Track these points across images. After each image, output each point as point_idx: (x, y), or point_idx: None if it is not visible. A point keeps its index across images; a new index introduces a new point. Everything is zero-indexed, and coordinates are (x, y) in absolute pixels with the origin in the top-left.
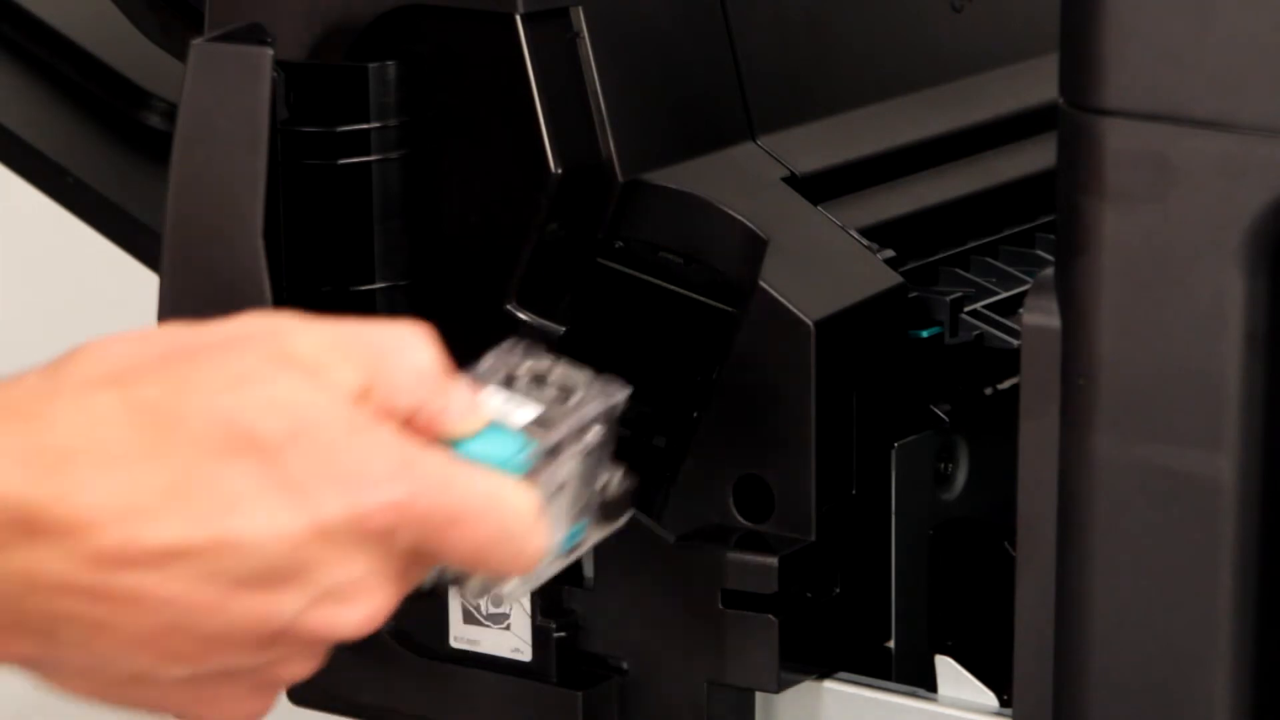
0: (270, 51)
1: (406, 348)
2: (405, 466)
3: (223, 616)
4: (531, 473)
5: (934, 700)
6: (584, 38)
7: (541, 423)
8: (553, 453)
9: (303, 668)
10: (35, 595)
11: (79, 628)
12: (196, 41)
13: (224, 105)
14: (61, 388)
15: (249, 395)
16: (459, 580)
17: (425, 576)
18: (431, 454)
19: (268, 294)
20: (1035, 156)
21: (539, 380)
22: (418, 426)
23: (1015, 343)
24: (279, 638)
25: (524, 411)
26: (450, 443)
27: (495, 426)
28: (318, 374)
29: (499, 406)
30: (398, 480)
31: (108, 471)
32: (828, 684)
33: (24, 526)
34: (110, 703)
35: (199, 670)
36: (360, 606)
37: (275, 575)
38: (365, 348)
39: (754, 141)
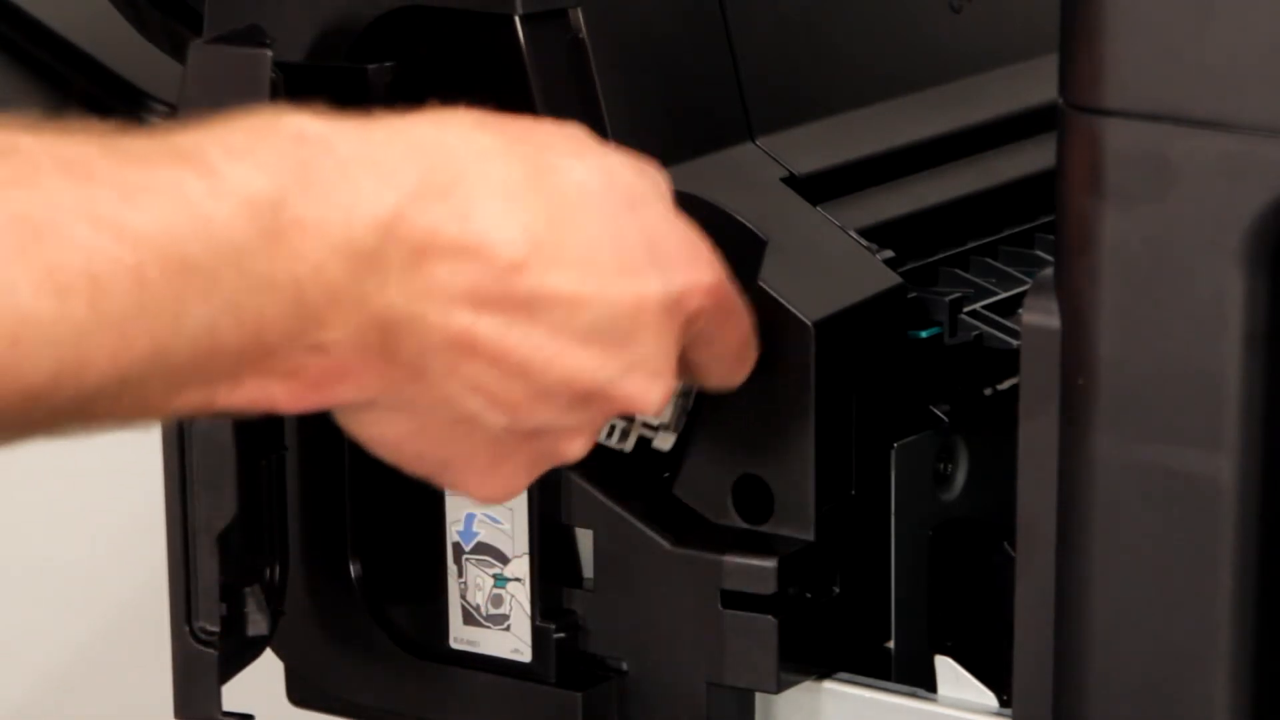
0: (269, 53)
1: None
2: (712, 255)
3: (561, 366)
4: None
5: (934, 700)
6: (583, 39)
7: None
8: None
9: (584, 446)
10: (417, 326)
11: (444, 362)
12: (195, 43)
13: (222, 107)
14: (446, 124)
15: (604, 158)
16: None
17: None
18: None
19: None
20: (1035, 156)
21: None
22: None
23: (1015, 343)
24: (593, 398)
25: None
26: None
27: None
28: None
29: None
30: (716, 266)
31: (500, 204)
32: (828, 684)
33: (418, 250)
34: (408, 454)
35: (514, 423)
36: (662, 382)
37: (614, 334)
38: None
39: (753, 142)
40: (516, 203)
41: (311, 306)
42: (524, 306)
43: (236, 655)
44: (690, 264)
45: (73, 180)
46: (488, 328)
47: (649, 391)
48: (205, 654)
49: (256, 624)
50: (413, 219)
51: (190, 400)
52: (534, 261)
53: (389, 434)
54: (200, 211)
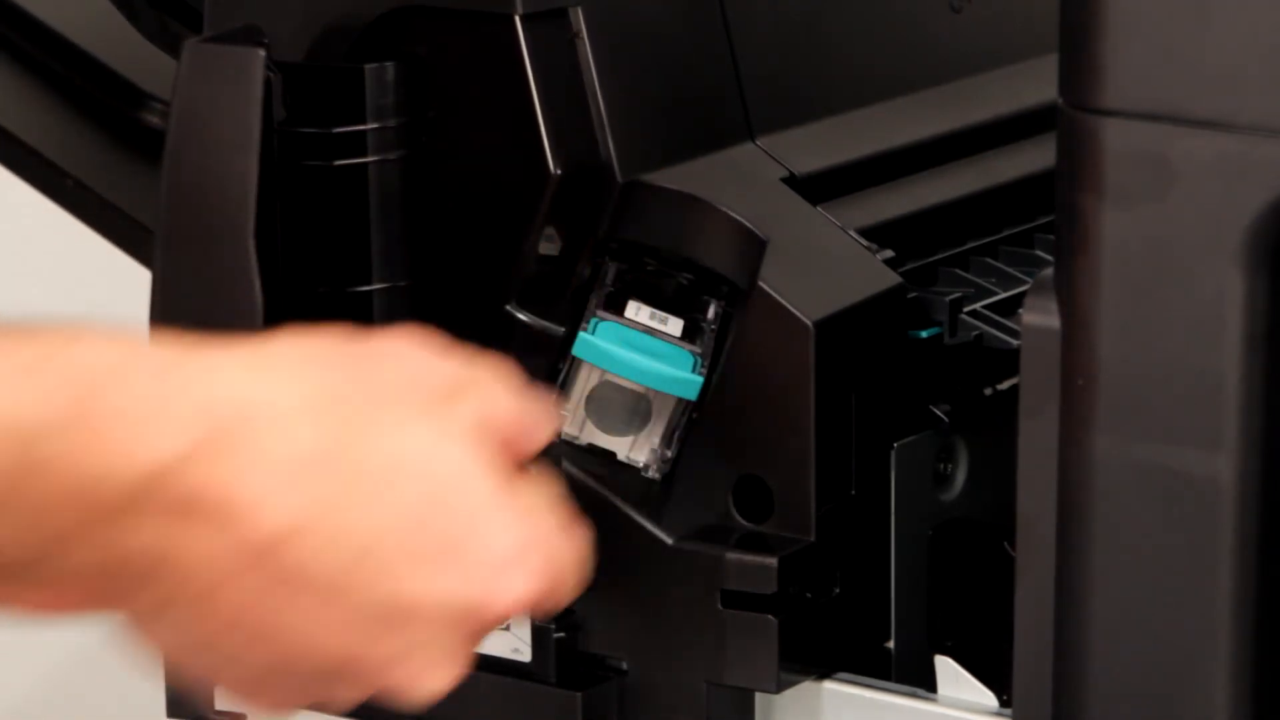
0: (262, 52)
1: (497, 385)
2: (541, 561)
3: (312, 644)
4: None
5: (934, 700)
6: (583, 38)
7: (686, 336)
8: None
9: (357, 698)
10: (165, 571)
11: (190, 611)
12: (189, 41)
13: (216, 105)
14: (261, 373)
15: (435, 437)
16: None
17: None
18: (540, 519)
19: (259, 295)
20: (1035, 156)
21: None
22: (511, 449)
23: (1015, 343)
24: (350, 673)
25: (674, 323)
26: (641, 370)
27: (663, 343)
28: (449, 419)
29: (648, 321)
30: (536, 576)
31: (278, 476)
32: (828, 684)
33: (180, 505)
34: (165, 651)
35: (270, 665)
36: (442, 673)
37: (383, 624)
38: (472, 382)
39: (753, 142)
40: (299, 478)
41: (42, 542)
42: (282, 581)
43: None
44: (501, 572)
45: None
46: (236, 590)
47: (420, 679)
48: None
49: None
50: (182, 475)
51: None
52: (299, 541)
53: (142, 629)
54: None
